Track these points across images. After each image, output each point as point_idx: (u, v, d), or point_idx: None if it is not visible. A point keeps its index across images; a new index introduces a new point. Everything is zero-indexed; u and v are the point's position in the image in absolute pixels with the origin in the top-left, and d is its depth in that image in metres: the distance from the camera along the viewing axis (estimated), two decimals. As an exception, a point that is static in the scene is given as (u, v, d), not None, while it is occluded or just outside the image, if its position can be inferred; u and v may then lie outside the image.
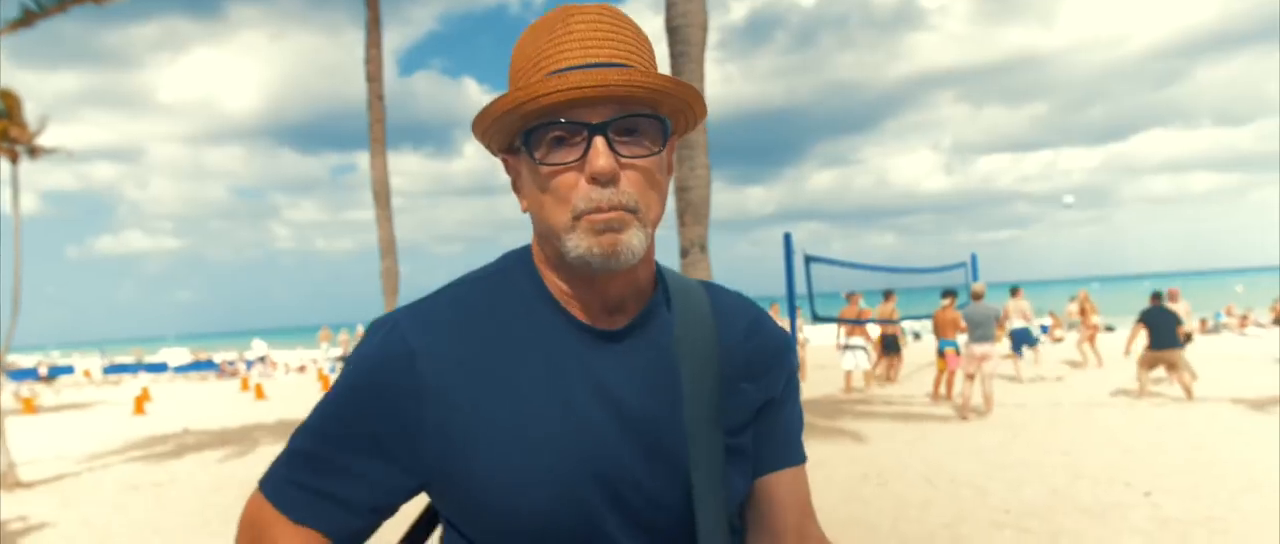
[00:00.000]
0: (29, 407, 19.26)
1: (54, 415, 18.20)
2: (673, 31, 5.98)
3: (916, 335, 26.70)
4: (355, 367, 1.05)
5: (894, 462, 8.55)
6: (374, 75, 13.12)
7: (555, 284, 1.08)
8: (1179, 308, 13.56)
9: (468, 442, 1.01)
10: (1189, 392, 11.53)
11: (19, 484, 9.65)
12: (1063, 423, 10.35)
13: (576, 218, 0.98)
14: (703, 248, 6.01)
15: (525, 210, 1.08)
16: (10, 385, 24.98)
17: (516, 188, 1.09)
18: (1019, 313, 15.69)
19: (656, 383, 1.08)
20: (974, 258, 18.23)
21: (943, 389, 13.06)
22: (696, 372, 1.09)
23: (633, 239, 0.99)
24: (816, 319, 14.70)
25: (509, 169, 1.10)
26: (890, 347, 16.15)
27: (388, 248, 12.83)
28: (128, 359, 37.45)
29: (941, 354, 12.85)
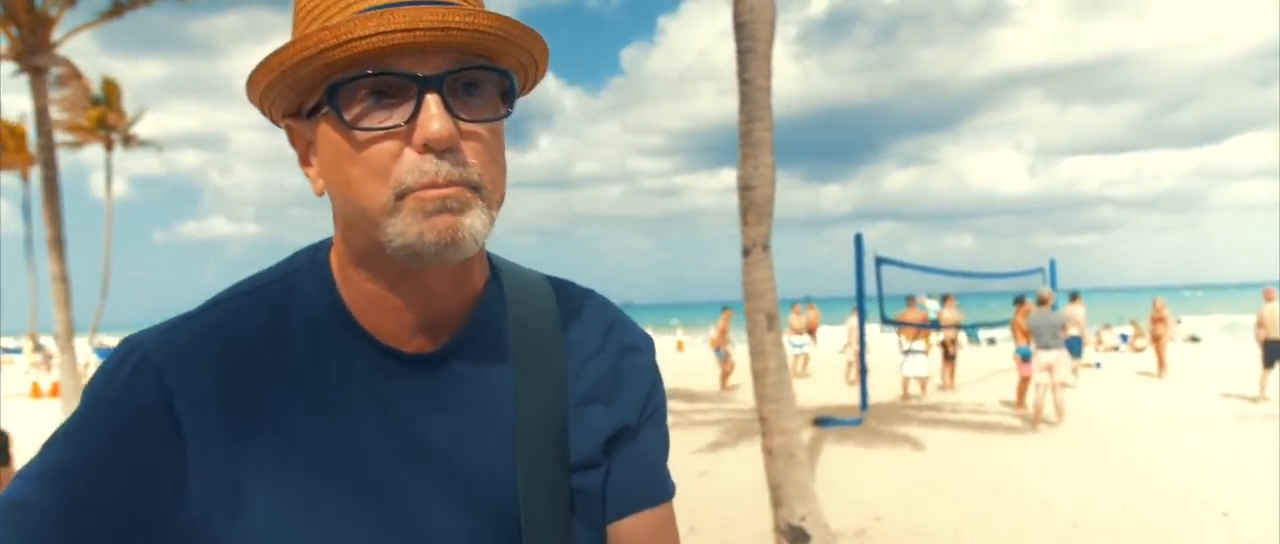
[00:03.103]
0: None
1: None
2: (740, 27, 5.90)
3: (991, 341, 26.14)
4: (94, 414, 0.78)
5: (959, 470, 8.38)
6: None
7: (356, 292, 0.84)
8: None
9: (234, 509, 0.77)
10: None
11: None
12: (1138, 436, 10.01)
13: (400, 195, 0.75)
14: (765, 247, 5.93)
15: (321, 193, 0.82)
16: (97, 363, 25.96)
17: (307, 162, 0.84)
18: (1073, 321, 15.23)
19: (483, 419, 0.85)
20: (1052, 263, 17.76)
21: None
22: (535, 399, 0.86)
23: (475, 222, 0.77)
24: (886, 323, 14.48)
25: (295, 139, 0.84)
26: (947, 353, 15.84)
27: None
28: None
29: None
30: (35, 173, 19.95)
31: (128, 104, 36.43)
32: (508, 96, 0.81)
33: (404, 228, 0.75)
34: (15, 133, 34.24)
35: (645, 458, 0.95)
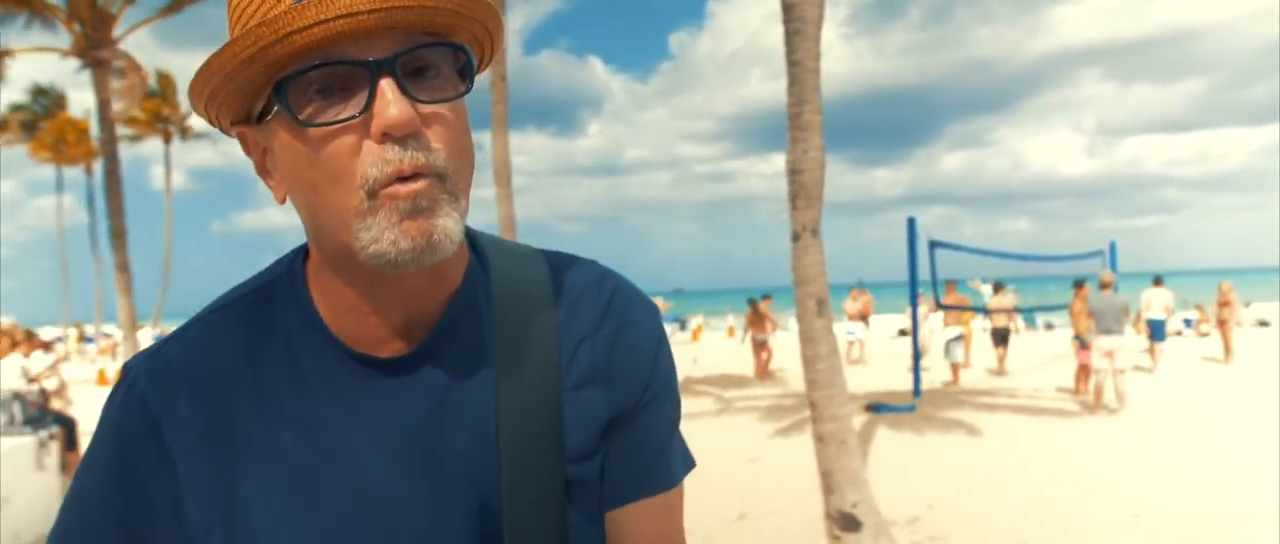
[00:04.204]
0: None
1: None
2: (788, 9, 5.82)
3: (1049, 326, 25.66)
4: (98, 441, 0.84)
5: (1015, 457, 8.23)
6: (497, 56, 13.33)
7: (329, 299, 0.82)
8: None
9: (230, 526, 0.79)
10: None
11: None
12: (1204, 423, 9.72)
13: (371, 193, 0.71)
14: (815, 232, 5.86)
15: (283, 200, 0.79)
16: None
17: (265, 171, 0.80)
18: (1162, 305, 14.84)
19: (465, 415, 0.82)
20: (1113, 246, 17.33)
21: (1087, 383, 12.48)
22: (519, 388, 0.82)
23: (448, 221, 0.73)
24: (940, 308, 14.30)
25: (249, 147, 0.81)
26: (1000, 338, 15.58)
27: (507, 226, 13.06)
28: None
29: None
30: (98, 165, 20.50)
31: (182, 97, 37.32)
32: (465, 73, 0.77)
33: (378, 234, 0.72)
34: (78, 127, 35.24)
35: (646, 442, 0.90)
